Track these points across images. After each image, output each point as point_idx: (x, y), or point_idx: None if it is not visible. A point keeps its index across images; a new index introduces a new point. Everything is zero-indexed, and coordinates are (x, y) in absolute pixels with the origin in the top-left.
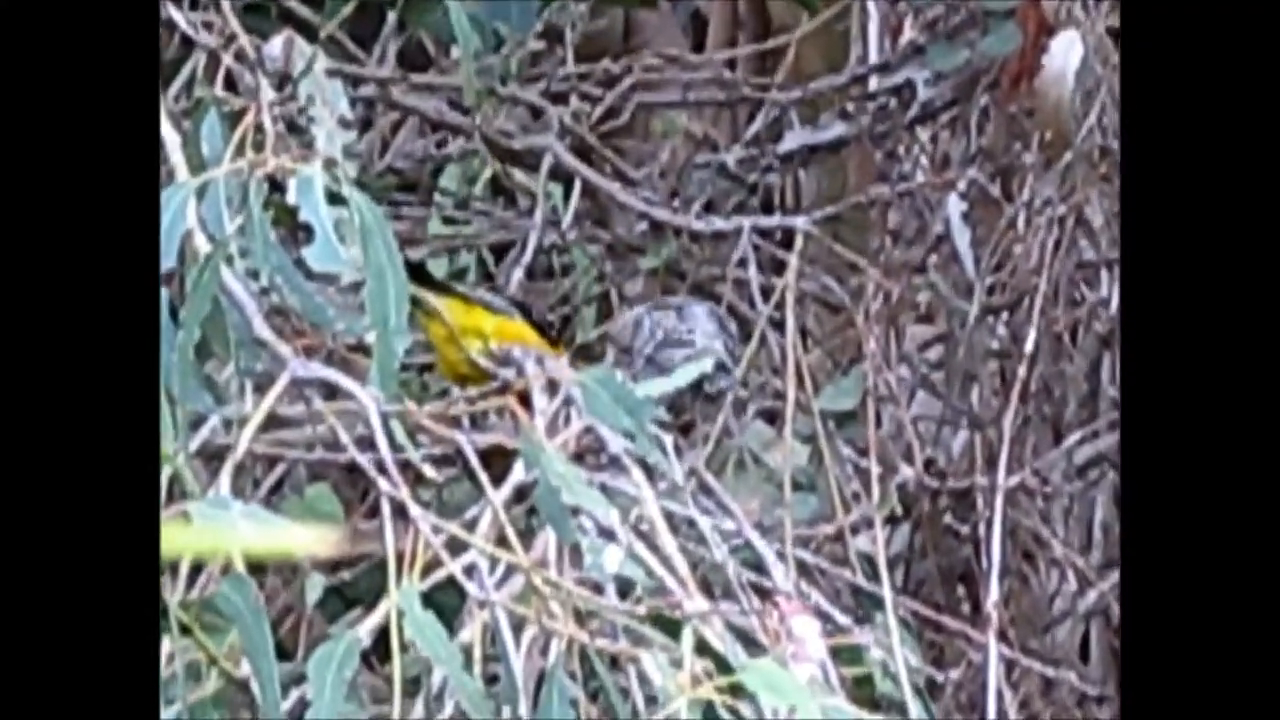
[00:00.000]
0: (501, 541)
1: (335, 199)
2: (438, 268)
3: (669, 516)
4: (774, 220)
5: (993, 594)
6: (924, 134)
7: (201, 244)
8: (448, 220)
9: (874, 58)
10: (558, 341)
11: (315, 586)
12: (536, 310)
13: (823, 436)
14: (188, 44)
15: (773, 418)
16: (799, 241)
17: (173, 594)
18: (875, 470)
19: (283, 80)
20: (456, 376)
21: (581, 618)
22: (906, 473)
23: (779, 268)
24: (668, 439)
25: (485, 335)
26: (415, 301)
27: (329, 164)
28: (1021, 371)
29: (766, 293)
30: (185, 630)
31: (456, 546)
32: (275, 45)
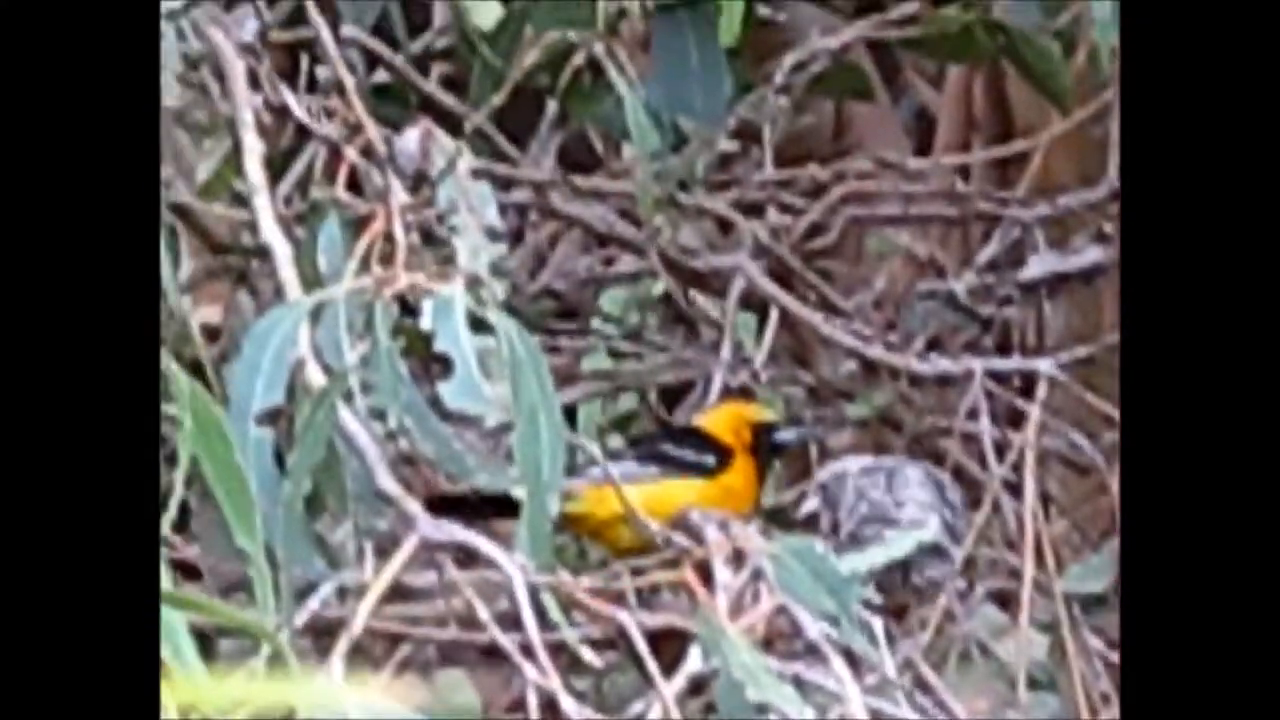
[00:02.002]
0: None
1: (479, 325)
2: (597, 412)
3: (877, 718)
4: (1012, 363)
5: None
6: None
7: (316, 376)
8: (613, 354)
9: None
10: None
11: None
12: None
13: (1066, 625)
14: (304, 134)
15: (1006, 601)
16: (1042, 389)
17: None
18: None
19: (419, 181)
20: (621, 551)
21: None
22: None
23: (1016, 420)
24: (877, 624)
25: (673, 508)
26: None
27: (473, 284)
28: None
29: (1001, 450)
30: None
31: None
32: (410, 138)
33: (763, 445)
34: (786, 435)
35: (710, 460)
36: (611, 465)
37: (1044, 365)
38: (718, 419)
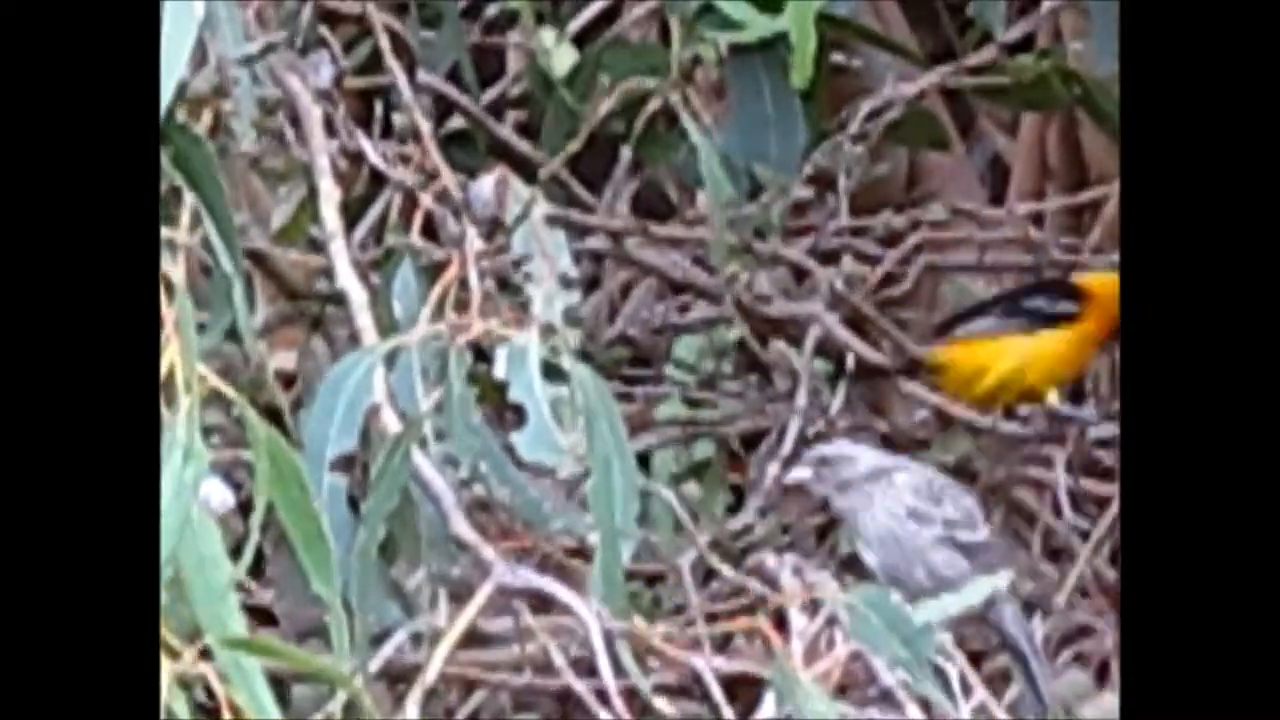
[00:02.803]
0: None
1: (553, 373)
2: (671, 460)
3: None
4: (1106, 431)
5: None
6: None
7: (390, 422)
8: (688, 402)
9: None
10: None
11: None
12: (796, 514)
13: None
14: (379, 180)
15: (1080, 656)
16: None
17: None
18: None
19: (493, 227)
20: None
21: None
22: None
23: (1091, 467)
24: (953, 672)
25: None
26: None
27: (547, 331)
28: None
29: (1076, 499)
30: None
31: None
32: (485, 185)
33: None
34: None
35: (1070, 307)
36: (975, 323)
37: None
38: (1092, 280)
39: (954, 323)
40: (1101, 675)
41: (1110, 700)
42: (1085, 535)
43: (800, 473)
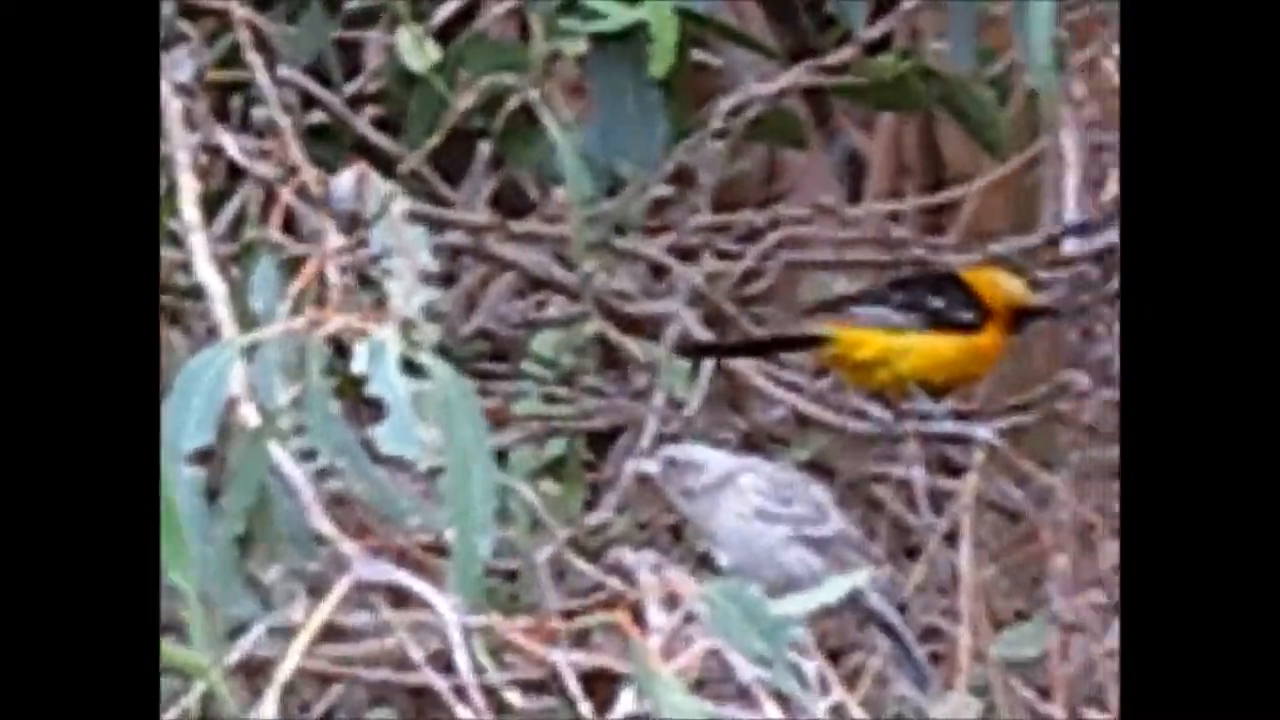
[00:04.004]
0: None
1: (412, 368)
2: (529, 456)
3: None
4: (948, 426)
5: None
6: None
7: (249, 416)
8: (547, 398)
9: (1071, 215)
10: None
11: None
12: (650, 512)
13: (999, 689)
14: (238, 174)
15: (934, 656)
16: (979, 455)
17: None
18: (1060, 716)
19: (353, 222)
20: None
21: None
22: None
23: (946, 462)
24: (809, 667)
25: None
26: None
27: (406, 326)
28: None
29: (933, 494)
30: None
31: None
32: (345, 180)
33: (1017, 323)
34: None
35: (970, 317)
36: (872, 310)
37: (982, 431)
38: (979, 278)
39: (845, 303)
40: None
41: (957, 699)
42: (948, 536)
43: (648, 465)
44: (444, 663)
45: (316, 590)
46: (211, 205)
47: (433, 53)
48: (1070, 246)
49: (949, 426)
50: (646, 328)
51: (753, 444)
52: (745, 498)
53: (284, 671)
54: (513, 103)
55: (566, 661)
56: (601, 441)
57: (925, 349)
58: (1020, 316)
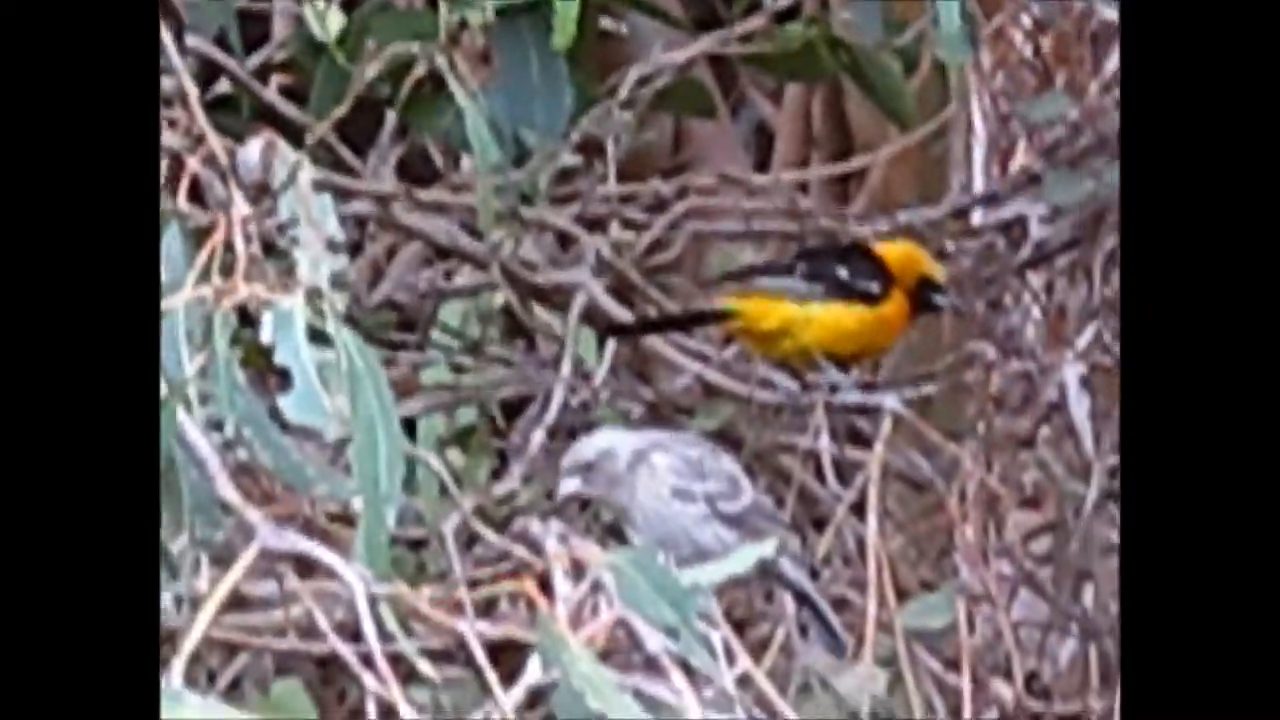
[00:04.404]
0: None
1: (319, 338)
2: (436, 425)
3: None
4: (855, 396)
5: None
6: (1037, 281)
7: None
8: (454, 367)
9: (979, 187)
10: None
11: None
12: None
13: (905, 659)
14: None
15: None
16: (886, 425)
17: None
18: (967, 687)
19: (260, 192)
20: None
21: None
22: (1004, 690)
23: (854, 433)
24: (716, 637)
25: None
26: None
27: (312, 295)
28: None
29: (839, 465)
30: None
31: None
32: (252, 150)
33: (923, 296)
34: (941, 300)
35: (875, 288)
36: (778, 280)
37: (889, 401)
38: (890, 251)
39: (751, 273)
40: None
41: (864, 670)
42: (855, 506)
43: (569, 485)
44: (350, 632)
45: (222, 559)
46: None
47: (338, 22)
48: (978, 217)
49: (855, 397)
50: (553, 297)
51: (659, 414)
52: (661, 477)
53: (190, 641)
54: (419, 71)
55: (473, 631)
56: (509, 411)
57: (829, 319)
58: (925, 289)
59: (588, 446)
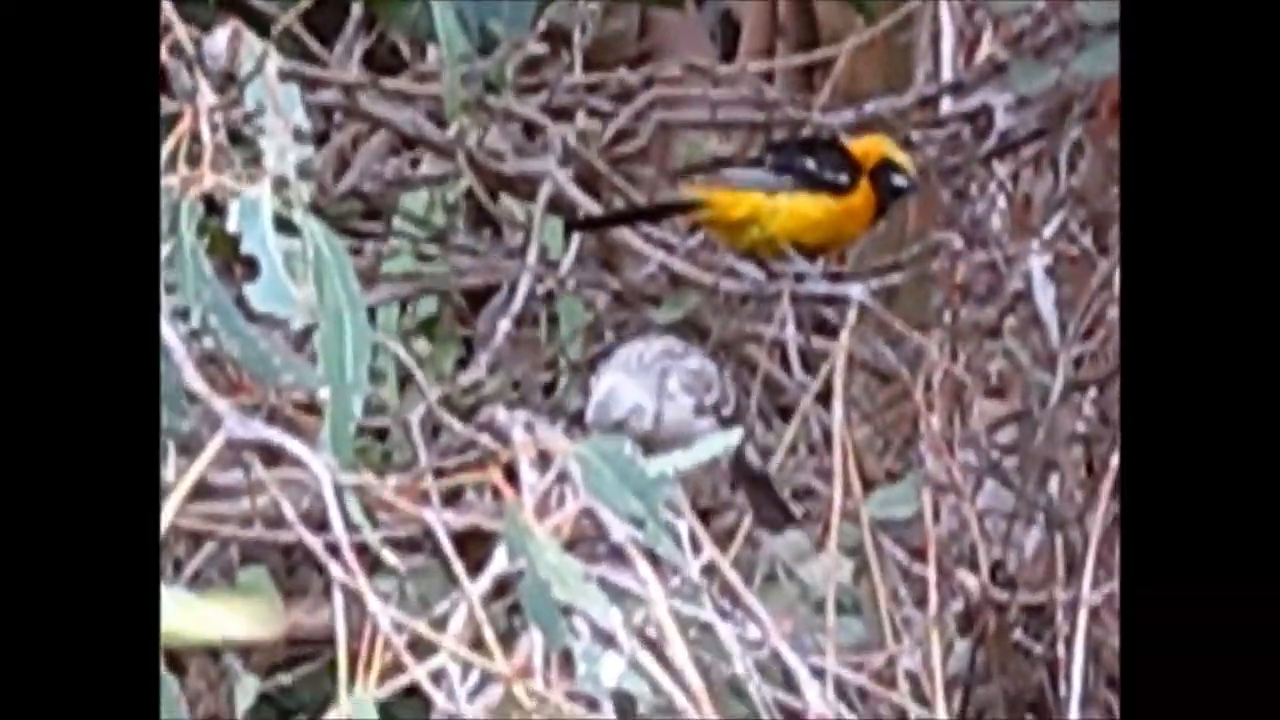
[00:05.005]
0: (477, 644)
1: (285, 227)
2: (400, 315)
3: (681, 620)
4: (821, 286)
5: None
6: (1003, 170)
7: None
8: (418, 256)
9: (945, 76)
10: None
11: (247, 692)
12: (523, 371)
13: (871, 549)
14: None
15: (806, 515)
16: (851, 314)
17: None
18: (932, 576)
19: (226, 81)
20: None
21: None
22: (969, 580)
23: (822, 324)
24: (682, 527)
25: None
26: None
27: (279, 185)
28: (1113, 460)
29: (805, 355)
30: None
31: (422, 648)
32: (218, 39)
33: (883, 180)
34: (901, 181)
35: (844, 179)
36: (746, 171)
37: (855, 290)
38: (858, 143)
39: (719, 166)
40: (824, 533)
41: (829, 560)
42: (821, 396)
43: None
44: (317, 521)
45: (188, 449)
46: None
47: None
48: (944, 107)
49: (821, 287)
50: (519, 186)
51: (624, 302)
52: (677, 401)
53: (158, 530)
54: None
55: (439, 520)
56: (475, 300)
57: (796, 210)
58: (886, 171)
59: (600, 393)
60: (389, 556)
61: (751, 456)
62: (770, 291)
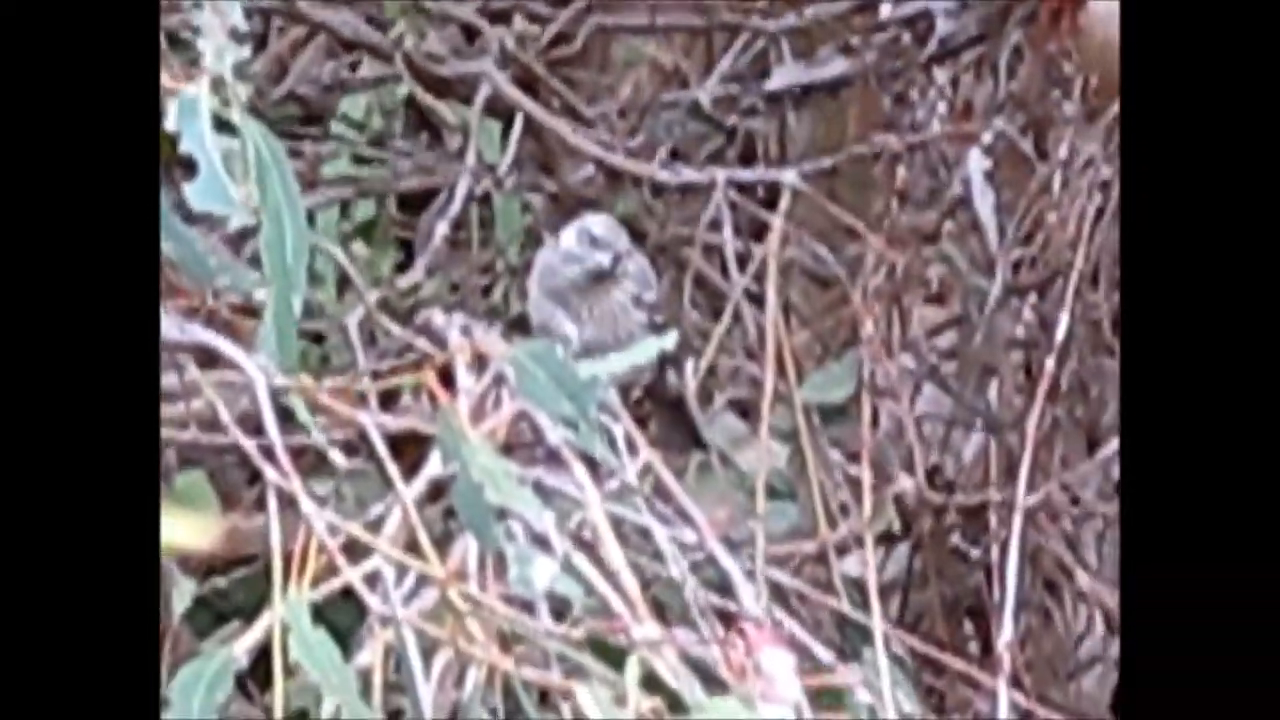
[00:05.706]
0: (412, 547)
1: (224, 127)
2: (338, 218)
3: (616, 523)
4: (755, 174)
5: (1006, 631)
6: (942, 75)
7: None
8: (356, 159)
9: None
10: None
11: (183, 594)
12: (461, 274)
13: (806, 434)
14: None
15: (746, 411)
16: (785, 200)
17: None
18: (868, 478)
19: None
20: None
21: (506, 642)
22: (906, 483)
23: (760, 231)
24: (617, 429)
25: None
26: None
27: (217, 85)
28: (1050, 365)
29: (743, 260)
30: None
31: (357, 551)
32: None
33: None
34: None
35: None
36: None
37: (787, 176)
38: None
39: None
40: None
41: (762, 445)
42: (750, 295)
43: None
44: (252, 424)
45: None
46: None
47: None
48: (884, 11)
49: (757, 172)
50: (457, 89)
51: (561, 205)
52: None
53: None
54: None
55: (374, 423)
56: (413, 204)
57: None
58: None
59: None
60: (337, 456)
61: (671, 380)
62: (706, 181)
